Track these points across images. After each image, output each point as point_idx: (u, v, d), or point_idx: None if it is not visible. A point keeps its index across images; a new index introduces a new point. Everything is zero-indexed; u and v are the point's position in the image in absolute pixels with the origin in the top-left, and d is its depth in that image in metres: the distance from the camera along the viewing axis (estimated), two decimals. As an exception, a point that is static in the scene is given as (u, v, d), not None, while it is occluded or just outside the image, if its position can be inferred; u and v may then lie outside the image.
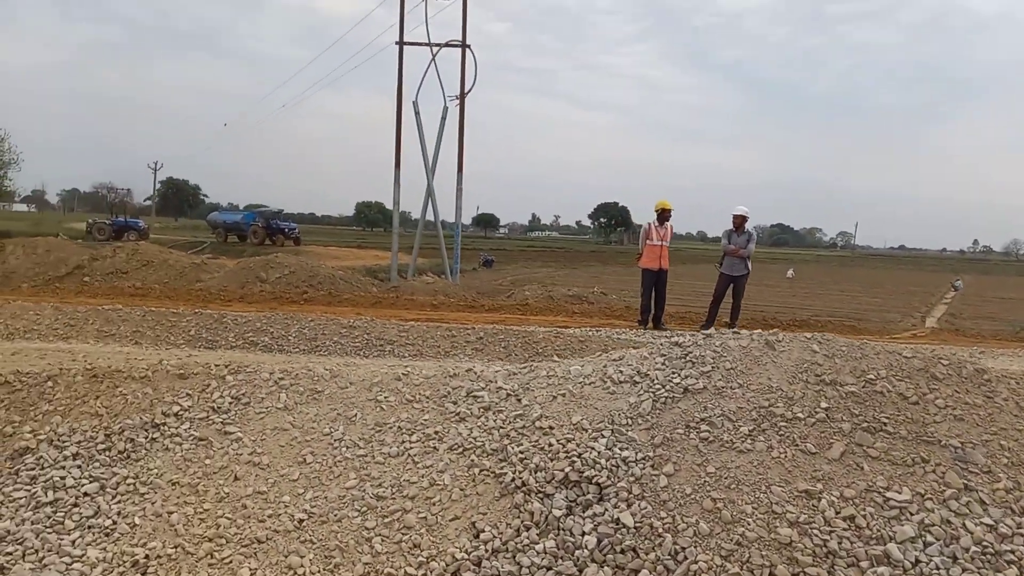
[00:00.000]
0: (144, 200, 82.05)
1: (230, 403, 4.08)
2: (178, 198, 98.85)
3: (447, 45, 21.86)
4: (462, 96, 22.08)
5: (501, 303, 13.73)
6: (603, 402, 3.52)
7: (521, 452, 3.35)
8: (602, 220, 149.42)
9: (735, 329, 11.13)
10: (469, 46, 21.82)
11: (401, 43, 22.06)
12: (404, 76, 21.77)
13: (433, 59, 21.63)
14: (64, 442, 3.94)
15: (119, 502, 3.56)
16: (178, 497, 3.56)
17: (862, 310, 21.95)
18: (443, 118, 22.07)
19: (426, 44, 21.87)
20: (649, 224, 11.13)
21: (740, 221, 10.78)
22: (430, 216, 22.38)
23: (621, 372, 3.65)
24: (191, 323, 8.43)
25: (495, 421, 3.63)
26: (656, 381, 3.51)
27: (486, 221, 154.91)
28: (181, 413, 4.05)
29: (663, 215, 11.03)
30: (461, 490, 3.30)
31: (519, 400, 3.76)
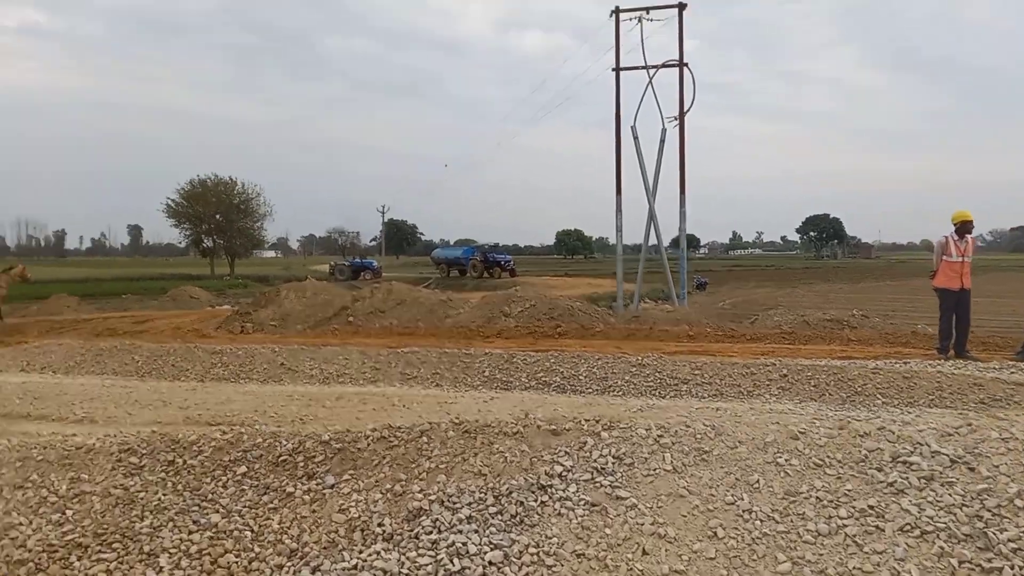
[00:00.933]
0: (370, 241, 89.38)
1: (613, 463, 3.88)
2: (398, 238, 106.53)
3: (664, 66, 21.54)
4: (681, 115, 21.57)
5: (763, 332, 12.89)
6: (1107, 477, 2.87)
7: (1010, 540, 2.79)
8: (811, 234, 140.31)
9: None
10: (687, 64, 21.32)
11: (618, 68, 22.05)
12: (613, 102, 21.74)
13: (650, 81, 21.36)
14: (455, 503, 3.94)
15: (526, 574, 3.45)
16: (587, 572, 3.38)
17: None
18: (662, 140, 21.68)
19: (643, 68, 21.67)
20: (946, 238, 9.87)
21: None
22: (652, 240, 22.05)
23: (1124, 438, 2.97)
24: (484, 364, 8.62)
25: (951, 497, 3.10)
26: None
27: (691, 243, 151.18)
28: (564, 474, 3.92)
29: (964, 227, 9.75)
30: (941, 585, 2.80)
31: (971, 469, 3.19)
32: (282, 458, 4.50)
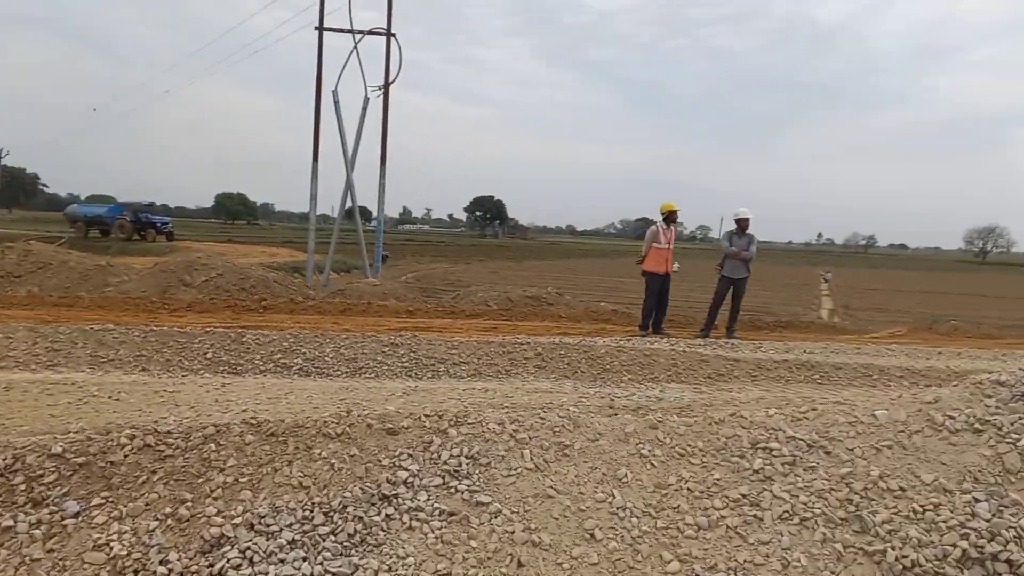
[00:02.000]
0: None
1: (468, 464, 3.37)
2: (13, 188, 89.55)
3: (371, 33, 20.85)
4: (386, 85, 21.14)
5: (480, 308, 13.07)
6: (948, 455, 3.16)
7: (884, 522, 2.92)
8: (477, 213, 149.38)
9: (735, 333, 11.33)
10: (394, 34, 20.93)
11: (321, 28, 20.86)
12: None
13: (356, 46, 20.54)
14: (270, 525, 3.11)
15: (385, 610, 2.83)
16: (463, 597, 2.87)
17: (763, 304, 22.87)
18: (364, 108, 21.07)
19: (348, 31, 20.77)
20: (657, 226, 10.84)
21: (744, 224, 10.77)
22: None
23: (952, 418, 3.29)
24: (205, 343, 7.29)
25: (819, 482, 3.18)
26: (1004, 428, 3.18)
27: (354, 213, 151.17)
28: (411, 480, 3.31)
29: (670, 216, 10.81)
30: (833, 573, 2.83)
31: (828, 453, 3.32)
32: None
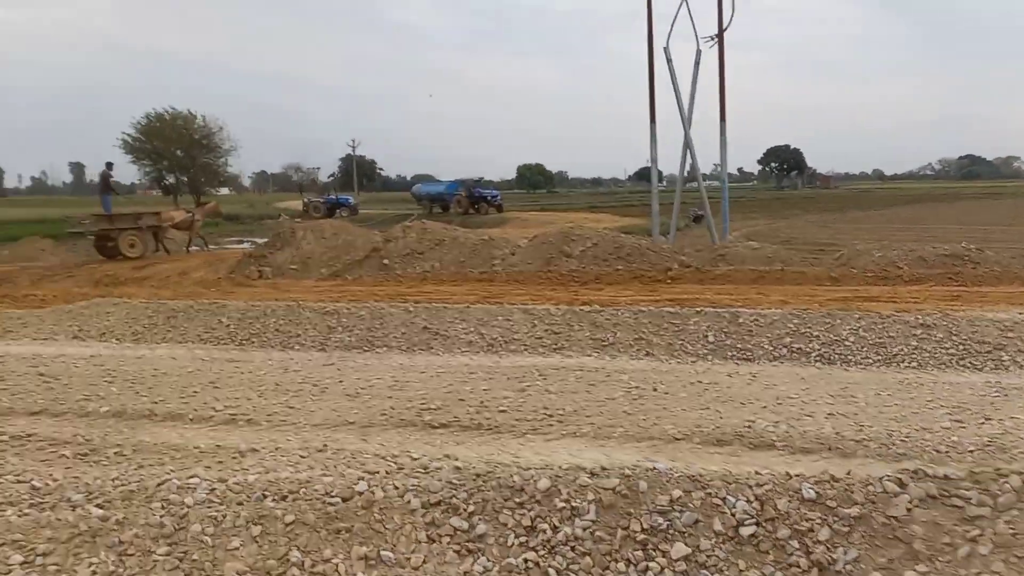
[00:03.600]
0: (328, 177, 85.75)
1: None
2: (357, 174, 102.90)
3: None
4: (721, 33, 19.65)
5: (919, 273, 11.39)
6: None
7: None
8: (773, 165, 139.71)
9: None
10: (725, -22, 19.29)
11: (650, -13, 19.92)
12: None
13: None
14: None
15: None
16: None
17: None
18: (696, 62, 19.83)
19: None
20: None
21: None
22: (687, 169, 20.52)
23: None
24: (701, 325, 6.91)
25: None
26: None
27: (648, 174, 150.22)
28: None
29: None
30: None
31: None
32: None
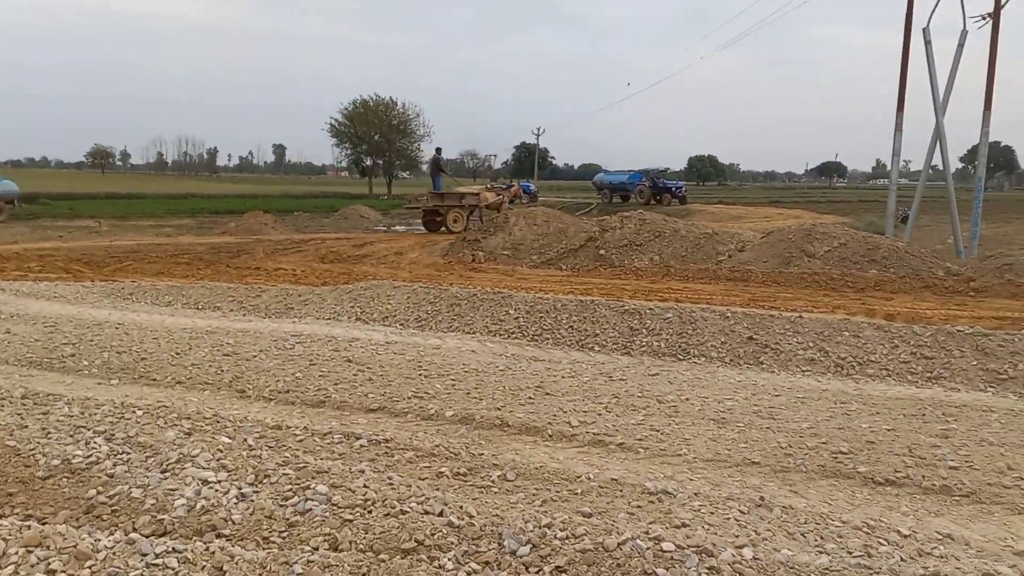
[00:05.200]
0: (501, 164, 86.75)
1: None
2: (529, 162, 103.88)
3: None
4: (997, 11, 16.94)
5: None
6: None
7: None
8: (975, 164, 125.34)
9: None
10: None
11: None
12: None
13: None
14: None
15: None
16: None
17: None
18: (960, 44, 17.30)
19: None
20: None
21: None
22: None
23: None
24: None
25: None
26: None
27: (830, 169, 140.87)
28: None
29: None
30: None
31: None
32: None
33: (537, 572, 2.72)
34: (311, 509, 3.09)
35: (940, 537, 3.34)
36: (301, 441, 4.13)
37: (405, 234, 22.26)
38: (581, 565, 2.72)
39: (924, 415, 4.92)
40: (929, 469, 4.06)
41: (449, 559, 2.78)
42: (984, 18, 17.33)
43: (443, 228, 21.47)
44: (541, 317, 7.28)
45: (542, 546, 2.86)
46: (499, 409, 4.87)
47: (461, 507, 3.21)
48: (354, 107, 47.81)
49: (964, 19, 17.14)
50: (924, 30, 17.54)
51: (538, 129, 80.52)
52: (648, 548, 2.80)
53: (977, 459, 4.19)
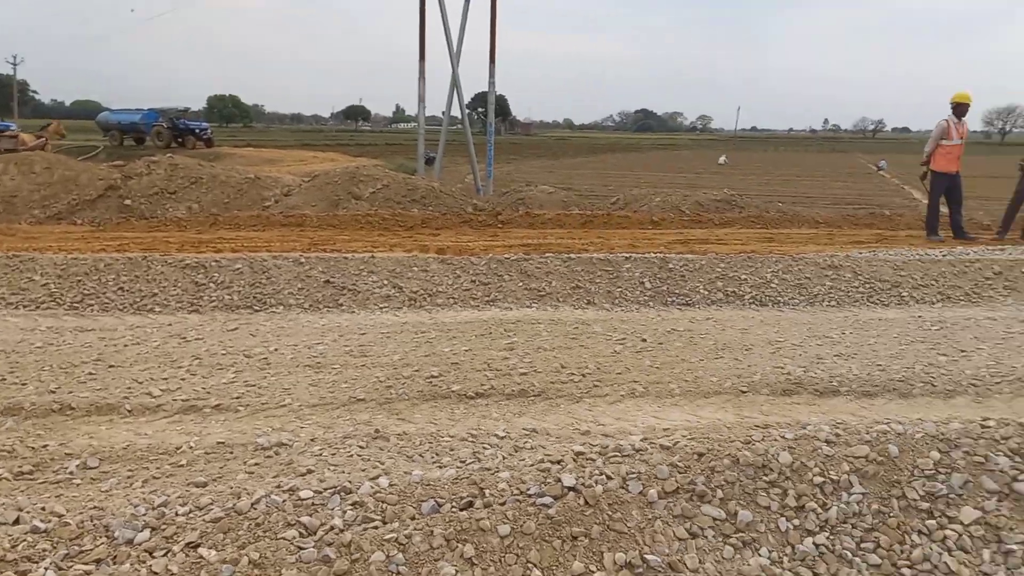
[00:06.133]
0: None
1: None
2: (4, 96, 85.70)
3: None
4: None
5: (727, 217, 12.42)
6: None
7: None
8: (480, 110, 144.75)
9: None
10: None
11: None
12: None
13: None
14: None
15: None
16: None
17: (863, 197, 20.85)
18: (466, 1, 19.74)
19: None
20: (947, 121, 9.92)
21: None
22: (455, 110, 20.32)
23: None
24: (633, 271, 6.76)
25: None
26: None
27: (356, 113, 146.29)
28: None
29: (960, 109, 9.92)
30: None
31: None
32: None
33: (166, 553, 2.35)
34: None
35: (527, 432, 3.83)
36: None
37: None
38: (217, 535, 2.44)
39: (491, 333, 5.55)
40: (506, 378, 4.60)
41: (46, 567, 2.24)
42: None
43: None
44: (79, 281, 6.16)
45: (163, 527, 2.49)
46: (53, 392, 4.03)
47: (43, 508, 2.60)
48: None
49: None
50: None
51: (14, 57, 66.54)
52: (285, 500, 2.63)
53: (538, 363, 4.89)
